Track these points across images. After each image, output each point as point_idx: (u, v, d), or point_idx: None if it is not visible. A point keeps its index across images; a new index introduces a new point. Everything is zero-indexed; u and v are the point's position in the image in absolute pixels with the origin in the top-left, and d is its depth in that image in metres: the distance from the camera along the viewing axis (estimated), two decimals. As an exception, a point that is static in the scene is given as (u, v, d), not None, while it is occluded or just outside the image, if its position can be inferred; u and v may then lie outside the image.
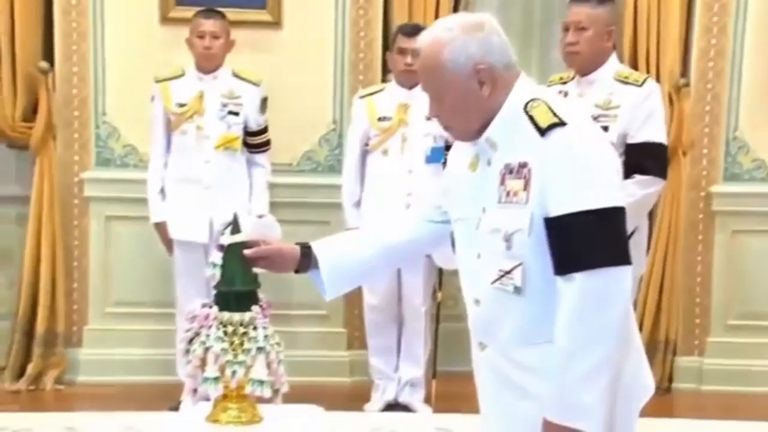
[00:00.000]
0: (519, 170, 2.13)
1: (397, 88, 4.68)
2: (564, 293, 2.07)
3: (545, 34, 5.54)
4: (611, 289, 2.07)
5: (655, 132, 3.97)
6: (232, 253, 2.61)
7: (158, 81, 4.68)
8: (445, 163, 4.46)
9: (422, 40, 2.24)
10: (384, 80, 5.00)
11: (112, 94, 5.07)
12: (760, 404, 5.02)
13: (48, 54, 5.02)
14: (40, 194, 4.97)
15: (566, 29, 4.00)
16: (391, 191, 4.58)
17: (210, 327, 2.82)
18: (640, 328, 4.98)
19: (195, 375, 2.84)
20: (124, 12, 5.04)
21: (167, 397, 4.51)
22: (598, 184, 2.09)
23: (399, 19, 5.00)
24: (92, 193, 5.12)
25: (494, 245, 2.18)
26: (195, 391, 2.88)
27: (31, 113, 4.97)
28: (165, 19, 5.01)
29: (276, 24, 5.07)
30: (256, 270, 2.66)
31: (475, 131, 2.22)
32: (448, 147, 3.99)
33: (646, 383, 2.33)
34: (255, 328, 2.84)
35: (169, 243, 4.72)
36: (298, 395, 2.96)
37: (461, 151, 2.36)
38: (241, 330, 2.82)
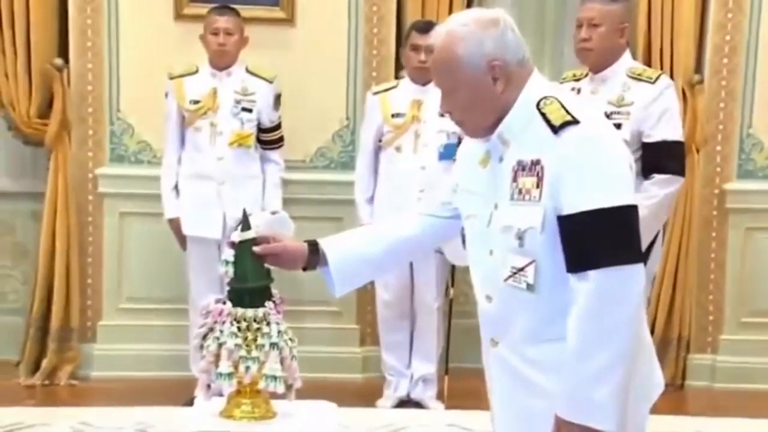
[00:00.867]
0: (532, 167, 2.13)
1: (410, 84, 4.68)
2: (577, 291, 2.08)
3: (558, 30, 5.53)
4: (625, 287, 2.07)
5: (672, 130, 3.97)
6: (244, 249, 2.62)
7: (172, 78, 4.70)
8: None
9: (436, 35, 2.23)
10: (397, 77, 5.00)
11: (127, 90, 5.09)
12: (773, 402, 5.02)
13: (63, 50, 5.04)
14: (54, 190, 4.99)
15: (579, 25, 4.01)
16: (404, 187, 4.58)
17: (224, 323, 2.83)
18: (653, 325, 5.02)
19: (209, 370, 2.85)
20: (138, 9, 5.06)
21: (181, 393, 4.53)
22: (612, 183, 2.09)
23: (412, 15, 5.01)
24: (106, 189, 5.14)
25: (507, 242, 2.18)
26: (209, 386, 2.88)
27: (46, 109, 4.99)
28: (179, 16, 5.03)
29: (289, 21, 5.08)
30: (267, 266, 2.66)
31: (487, 127, 2.22)
32: (461, 143, 3.99)
33: (657, 380, 2.33)
34: (268, 324, 2.85)
35: (182, 239, 4.74)
36: (310, 391, 2.97)
37: (471, 147, 2.36)
38: (255, 326, 2.83)
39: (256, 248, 2.56)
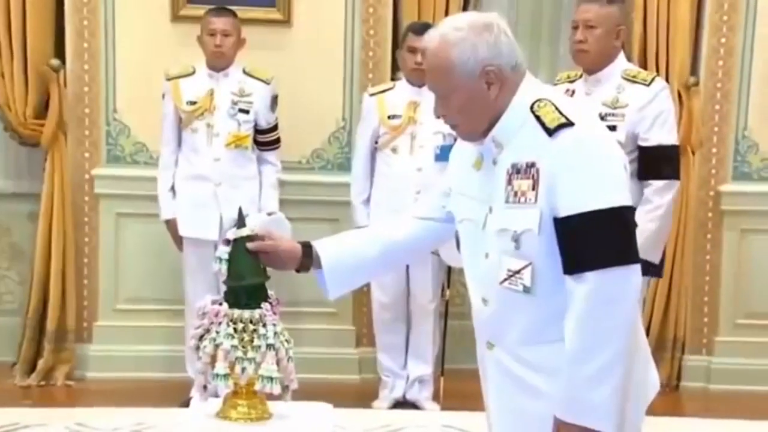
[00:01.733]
0: (527, 170, 2.14)
1: (407, 86, 4.69)
2: (574, 292, 2.08)
3: (554, 32, 5.54)
4: (621, 288, 2.08)
5: (667, 134, 3.99)
6: (238, 247, 2.60)
7: (169, 79, 4.70)
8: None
9: (430, 40, 2.23)
10: (393, 78, 5.01)
11: (123, 91, 5.09)
12: (768, 403, 5.03)
13: (59, 52, 5.04)
14: (50, 191, 5.00)
15: (575, 27, 4.01)
16: (401, 189, 4.59)
17: (220, 324, 2.83)
18: (649, 326, 5.03)
19: (205, 371, 2.85)
20: (135, 10, 5.06)
21: (177, 394, 4.54)
22: (607, 184, 2.10)
23: (409, 17, 5.01)
24: (102, 190, 5.14)
25: (503, 245, 2.19)
26: (205, 387, 2.89)
27: (42, 110, 4.99)
28: (176, 17, 5.03)
29: (286, 22, 5.08)
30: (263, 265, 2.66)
31: (481, 131, 2.23)
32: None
33: (653, 381, 2.34)
34: (265, 325, 2.85)
35: (179, 240, 4.74)
36: (307, 392, 2.97)
37: (464, 150, 2.36)
38: (251, 327, 2.83)
39: (251, 244, 2.54)
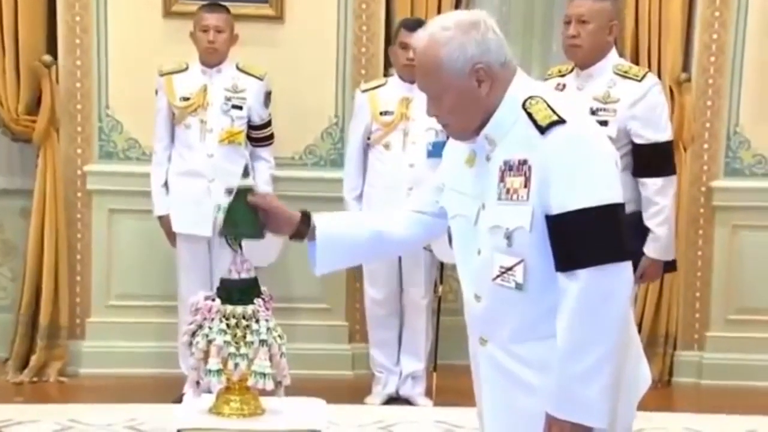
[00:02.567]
0: (519, 167, 2.14)
1: (399, 82, 4.69)
2: (566, 290, 2.09)
3: (546, 28, 5.55)
4: (613, 284, 2.09)
5: (661, 131, 4.01)
6: (240, 198, 2.56)
7: (162, 74, 4.70)
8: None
9: (418, 40, 2.23)
10: (386, 74, 5.01)
11: (115, 87, 5.08)
12: (759, 398, 5.04)
13: (51, 47, 5.03)
14: (43, 187, 4.99)
15: (568, 22, 4.01)
16: (393, 185, 4.60)
17: (213, 319, 2.84)
18: (641, 322, 5.05)
19: (198, 367, 2.86)
20: (127, 5, 5.05)
21: (170, 390, 4.54)
22: (599, 182, 2.10)
23: (401, 13, 5.02)
24: (95, 186, 5.13)
25: (495, 242, 2.19)
26: (198, 383, 2.89)
27: (34, 106, 4.98)
28: (168, 13, 5.02)
29: (278, 18, 5.08)
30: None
31: (474, 129, 2.23)
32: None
33: (644, 376, 2.35)
34: (257, 321, 2.86)
35: (172, 236, 4.74)
36: (300, 388, 2.98)
37: (457, 146, 2.37)
38: (244, 322, 2.84)
39: (253, 197, 2.53)
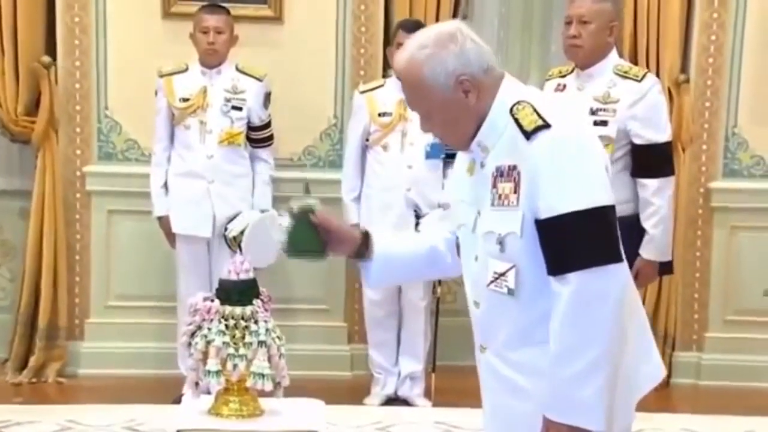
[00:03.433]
0: (509, 173, 2.15)
1: (397, 83, 4.66)
2: (558, 293, 2.10)
3: (545, 29, 5.55)
4: (604, 287, 2.09)
5: (660, 131, 4.03)
6: (302, 217, 2.49)
7: (162, 76, 4.70)
8: (445, 158, 4.52)
9: (399, 62, 2.24)
10: (385, 76, 5.02)
11: (114, 88, 5.08)
12: (757, 399, 5.04)
13: (50, 48, 5.03)
14: (42, 188, 4.99)
15: (569, 22, 4.02)
16: (391, 186, 4.61)
17: (212, 320, 2.85)
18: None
19: (197, 368, 2.87)
20: (126, 6, 5.05)
21: (169, 391, 4.54)
22: (585, 184, 2.10)
23: (400, 14, 5.02)
24: (94, 187, 5.13)
25: (489, 247, 2.20)
26: (197, 384, 2.90)
27: (33, 107, 4.98)
28: (167, 14, 5.02)
29: (277, 19, 5.08)
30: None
31: (470, 138, 2.24)
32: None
33: (650, 372, 2.34)
34: (256, 322, 2.87)
35: (171, 237, 4.74)
36: (298, 389, 2.99)
37: (462, 157, 2.38)
38: (243, 323, 2.85)
39: (317, 217, 2.48)
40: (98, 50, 5.05)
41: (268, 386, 2.85)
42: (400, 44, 4.56)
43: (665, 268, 4.18)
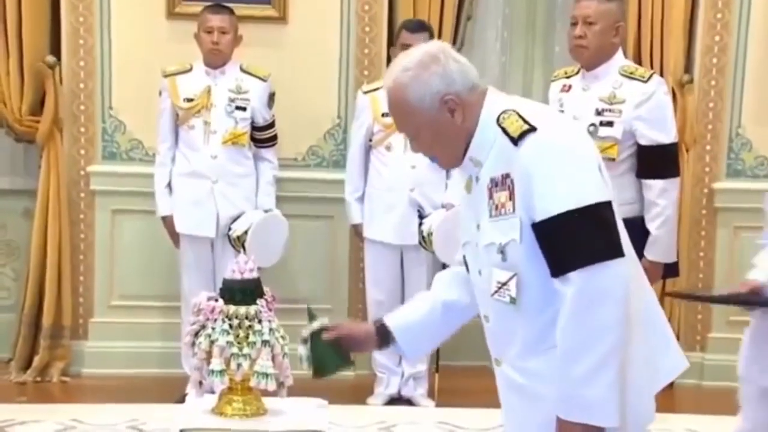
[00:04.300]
0: (503, 182, 2.17)
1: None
2: (562, 294, 2.10)
3: (549, 30, 5.55)
4: (606, 283, 2.09)
5: (665, 132, 4.02)
6: (316, 339, 2.55)
7: (166, 75, 4.70)
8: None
9: (384, 85, 2.28)
10: (388, 76, 5.01)
11: (119, 88, 5.09)
12: (761, 400, 5.03)
13: (55, 48, 5.04)
14: (46, 188, 5.00)
15: (574, 23, 4.02)
16: (395, 186, 4.62)
17: (215, 320, 2.85)
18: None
19: (200, 367, 2.87)
20: (130, 7, 5.06)
21: (173, 390, 4.54)
22: (576, 183, 2.11)
23: (403, 14, 5.02)
24: (98, 186, 5.14)
25: (491, 259, 2.22)
26: (200, 383, 2.91)
27: (38, 107, 4.99)
28: (171, 14, 5.03)
29: (281, 19, 5.09)
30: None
31: (461, 155, 2.26)
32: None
33: (667, 366, 2.36)
34: (260, 322, 2.87)
35: (175, 237, 4.75)
36: (302, 388, 2.99)
37: (459, 176, 2.40)
38: (247, 323, 2.85)
39: (328, 334, 2.53)
40: (102, 50, 5.06)
41: (272, 386, 2.85)
42: (403, 44, 4.59)
43: (671, 270, 4.18)
